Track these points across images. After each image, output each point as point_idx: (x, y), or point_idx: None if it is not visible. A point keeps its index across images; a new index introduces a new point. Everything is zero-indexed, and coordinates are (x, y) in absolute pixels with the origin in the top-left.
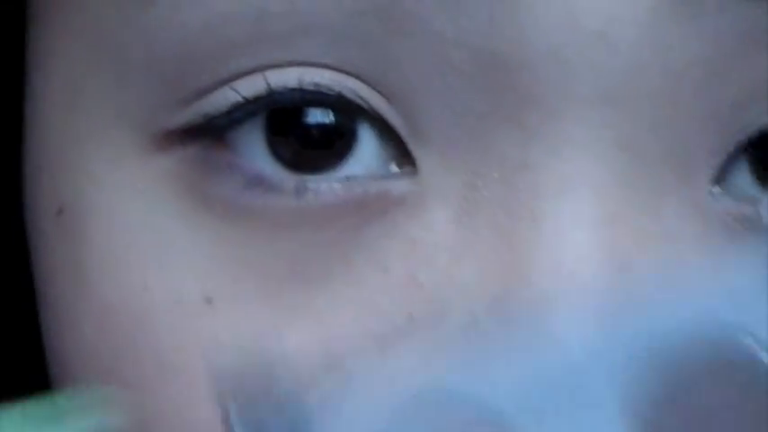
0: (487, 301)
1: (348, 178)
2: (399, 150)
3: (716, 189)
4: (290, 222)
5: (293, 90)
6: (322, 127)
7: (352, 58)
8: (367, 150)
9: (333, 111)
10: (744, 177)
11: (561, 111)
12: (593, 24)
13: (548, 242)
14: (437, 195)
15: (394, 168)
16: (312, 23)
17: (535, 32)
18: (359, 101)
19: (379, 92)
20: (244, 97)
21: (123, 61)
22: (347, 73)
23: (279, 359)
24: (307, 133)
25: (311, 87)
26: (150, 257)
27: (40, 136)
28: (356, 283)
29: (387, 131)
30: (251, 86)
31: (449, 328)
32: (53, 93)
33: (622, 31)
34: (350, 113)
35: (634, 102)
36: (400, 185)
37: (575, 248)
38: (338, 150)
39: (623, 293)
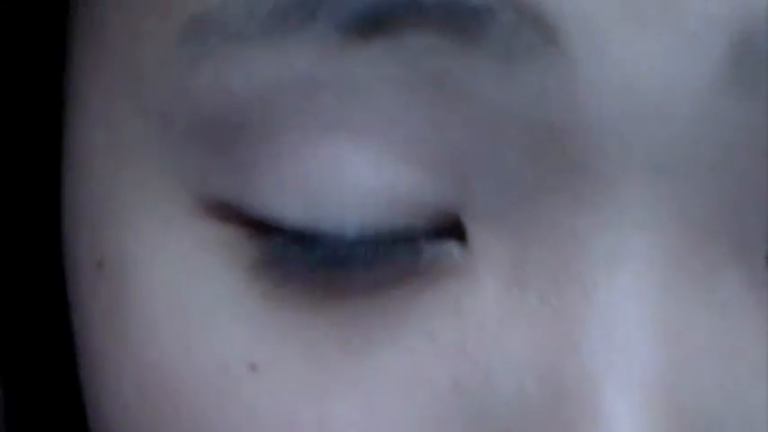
0: (536, 372)
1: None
2: (449, 222)
3: None
4: (337, 290)
5: None
6: None
7: (403, 133)
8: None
9: None
10: None
11: (615, 182)
12: (650, 97)
13: (599, 314)
14: (486, 264)
15: (443, 237)
16: (362, 93)
17: (590, 104)
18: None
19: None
20: None
21: (168, 119)
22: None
23: (323, 429)
24: None
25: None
26: (193, 320)
27: (79, 180)
28: (403, 351)
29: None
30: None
31: (495, 398)
32: (94, 137)
33: (679, 104)
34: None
35: (689, 174)
36: (450, 254)
37: (627, 321)
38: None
39: (676, 368)
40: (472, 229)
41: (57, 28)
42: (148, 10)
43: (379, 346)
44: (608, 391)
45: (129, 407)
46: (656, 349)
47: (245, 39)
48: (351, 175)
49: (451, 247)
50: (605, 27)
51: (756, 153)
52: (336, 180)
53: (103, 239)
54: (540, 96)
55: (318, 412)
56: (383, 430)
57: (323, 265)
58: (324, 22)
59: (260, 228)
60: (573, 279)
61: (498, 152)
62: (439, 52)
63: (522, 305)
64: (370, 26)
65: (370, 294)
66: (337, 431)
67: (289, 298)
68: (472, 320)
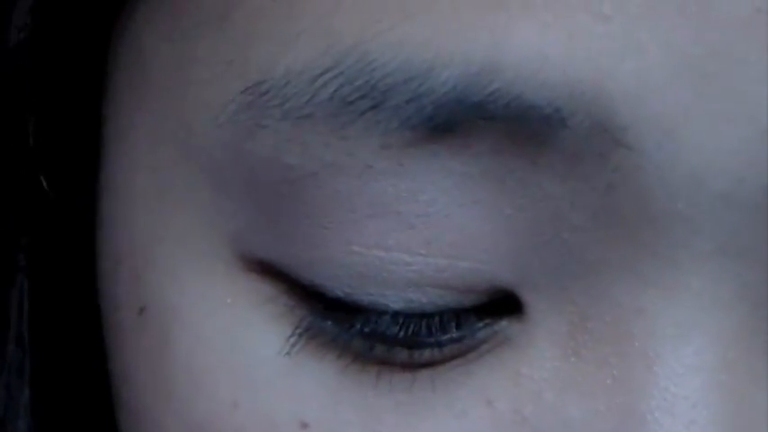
0: None
1: (460, 339)
2: (507, 299)
3: None
4: (399, 367)
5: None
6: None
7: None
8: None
9: None
10: None
11: (680, 262)
12: (720, 186)
13: (663, 387)
14: (545, 334)
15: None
16: (416, 185)
17: (659, 196)
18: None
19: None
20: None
21: (220, 178)
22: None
23: None
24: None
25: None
26: (240, 375)
27: (119, 227)
28: (460, 416)
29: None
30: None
31: None
32: (137, 180)
33: (750, 192)
34: None
35: (756, 253)
36: (507, 326)
37: (691, 394)
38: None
39: None
40: (529, 300)
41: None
42: (208, 59)
43: (435, 410)
44: None
45: None
46: (723, 424)
47: (306, 118)
48: (397, 258)
49: (506, 321)
50: (677, 124)
51: None
52: (382, 261)
53: (146, 286)
54: (607, 192)
55: None
56: None
57: (361, 338)
58: (388, 114)
59: (302, 291)
60: (636, 351)
61: (560, 237)
62: (505, 154)
63: (582, 374)
64: (440, 130)
65: (431, 365)
66: None
67: (347, 366)
68: (530, 387)
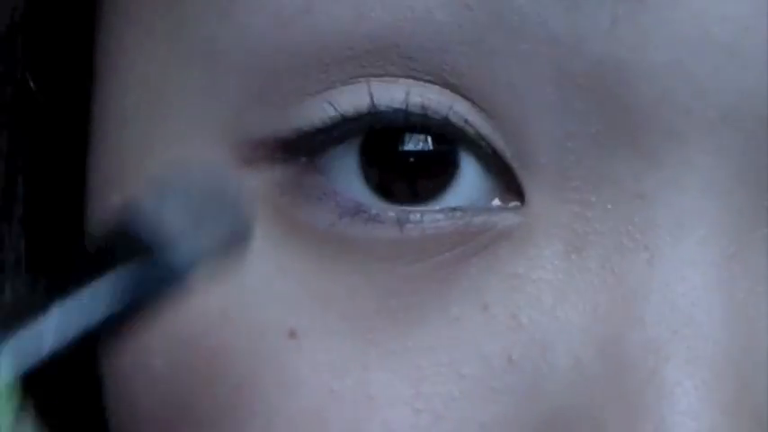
0: (595, 344)
1: (453, 209)
2: (504, 180)
3: None
4: (386, 255)
5: (397, 111)
6: (421, 155)
7: (459, 62)
8: (469, 181)
9: (433, 138)
10: None
11: (683, 133)
12: (725, 35)
13: (663, 284)
14: (545, 228)
15: (497, 201)
16: (415, 12)
17: (661, 39)
18: (464, 126)
19: (486, 112)
20: (342, 113)
21: (213, 60)
22: (454, 90)
23: (366, 400)
24: (404, 162)
25: (417, 110)
26: (231, 285)
27: (110, 146)
28: (453, 322)
29: (492, 160)
30: (352, 100)
31: (551, 372)
32: (127, 102)
33: (754, 44)
34: (452, 142)
35: (762, 127)
36: (505, 217)
37: (691, 292)
38: (438, 180)
39: (742, 343)
40: (530, 188)
41: None
42: None
43: (428, 316)
44: (673, 364)
45: (159, 384)
46: (722, 322)
47: None
48: None
49: (508, 210)
50: None
51: None
52: None
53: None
54: (609, 30)
55: (361, 383)
56: (430, 404)
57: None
58: None
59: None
60: (636, 245)
61: (562, 95)
62: None
63: (582, 273)
64: None
65: (420, 259)
66: (382, 402)
67: (332, 263)
68: (527, 289)
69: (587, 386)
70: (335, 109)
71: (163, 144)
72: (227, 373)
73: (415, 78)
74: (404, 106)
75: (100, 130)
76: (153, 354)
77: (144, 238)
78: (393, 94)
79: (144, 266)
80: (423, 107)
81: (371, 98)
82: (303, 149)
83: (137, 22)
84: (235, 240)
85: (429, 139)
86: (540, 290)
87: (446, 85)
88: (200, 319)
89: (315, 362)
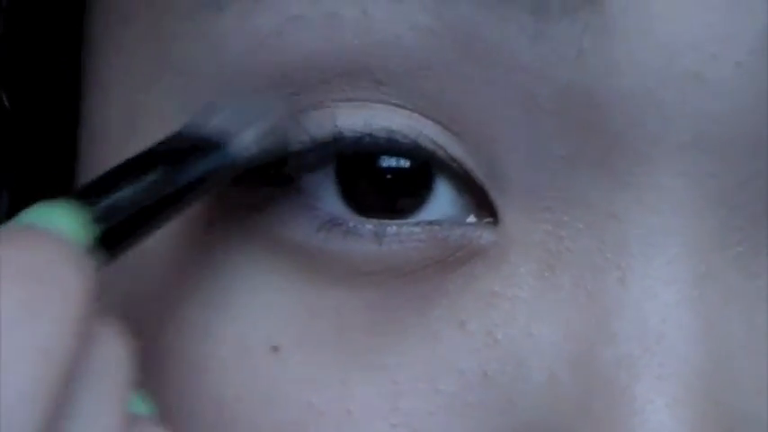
0: (569, 360)
1: (430, 223)
2: (478, 199)
3: None
4: (367, 269)
5: (363, 135)
6: (397, 172)
7: (428, 86)
8: (443, 199)
9: (407, 158)
10: None
11: (653, 157)
12: (691, 64)
13: (634, 302)
14: (519, 246)
15: (472, 218)
16: (384, 38)
17: (628, 68)
18: (435, 148)
19: (456, 134)
20: (312, 137)
21: (190, 80)
22: (424, 113)
23: (345, 415)
24: (381, 179)
25: (383, 134)
26: (213, 299)
27: (92, 160)
28: (431, 338)
29: (464, 180)
30: (322, 124)
31: (526, 388)
32: (110, 115)
33: (722, 71)
34: (425, 161)
35: (731, 150)
36: (482, 234)
37: (662, 310)
38: (414, 196)
39: (714, 360)
40: (503, 208)
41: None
42: None
43: (407, 331)
44: (644, 381)
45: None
46: (693, 339)
47: None
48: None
49: (483, 227)
50: None
51: None
52: None
53: None
54: (575, 59)
55: (340, 397)
56: (407, 419)
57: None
58: None
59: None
60: (609, 264)
61: (531, 120)
62: (467, 2)
63: (555, 291)
64: None
65: (401, 274)
66: (360, 417)
67: (313, 277)
68: (503, 307)
69: (560, 402)
70: (306, 133)
71: None
72: (209, 387)
73: (384, 103)
74: (369, 130)
75: (84, 143)
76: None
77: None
78: (361, 119)
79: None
80: (390, 131)
81: (337, 123)
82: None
83: (119, 40)
84: (275, 132)
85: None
86: (514, 307)
87: (416, 109)
88: (182, 332)
89: (296, 376)
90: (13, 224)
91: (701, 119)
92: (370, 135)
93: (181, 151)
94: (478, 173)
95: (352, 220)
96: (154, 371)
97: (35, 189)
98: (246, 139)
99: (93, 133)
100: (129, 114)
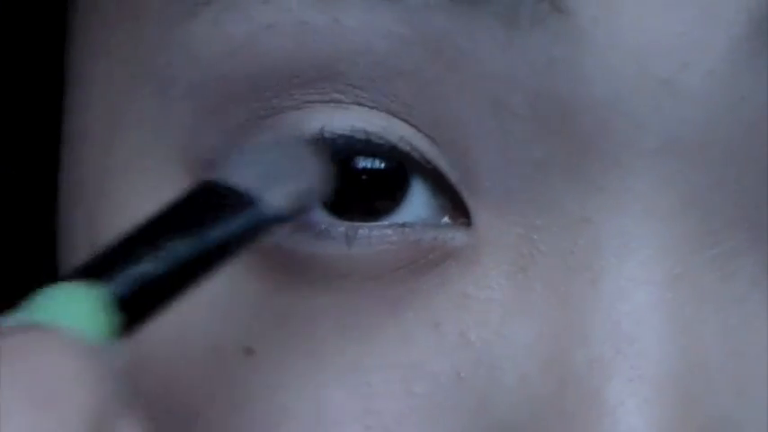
0: (541, 362)
1: (402, 225)
2: (452, 201)
3: None
4: (340, 271)
5: (341, 137)
6: (373, 173)
7: (402, 91)
8: (419, 200)
9: (384, 158)
10: None
11: (625, 162)
12: (663, 71)
13: (606, 303)
14: (492, 249)
15: (447, 220)
16: (356, 45)
17: (598, 77)
18: (411, 151)
19: (430, 138)
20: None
21: (168, 84)
22: (400, 117)
23: (318, 417)
24: (357, 180)
25: (361, 136)
26: (186, 301)
27: (73, 161)
28: (404, 340)
29: (439, 182)
30: (300, 126)
31: (498, 389)
32: (92, 115)
33: (693, 79)
34: (401, 162)
35: (704, 155)
36: (454, 236)
37: (635, 311)
38: (389, 198)
39: (686, 362)
40: (476, 211)
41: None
42: None
43: (381, 334)
44: (615, 382)
45: None
46: (666, 341)
47: None
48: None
49: (456, 229)
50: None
51: None
52: None
53: (99, 219)
54: (546, 68)
55: (314, 400)
56: (381, 421)
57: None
58: None
59: None
60: (581, 266)
61: (503, 125)
62: (438, 10)
63: (528, 292)
64: None
65: (374, 276)
66: (333, 420)
67: (287, 279)
68: (476, 309)
69: (532, 403)
70: (286, 133)
71: (120, 160)
72: (182, 388)
73: (361, 105)
74: (348, 132)
75: (65, 145)
76: None
77: (234, 191)
78: (338, 121)
79: (239, 214)
80: (367, 133)
81: (317, 124)
82: None
83: (100, 42)
84: (307, 194)
85: (379, 160)
86: (487, 309)
87: (391, 112)
88: (156, 333)
89: (269, 378)
90: (17, 323)
91: (673, 125)
92: (346, 136)
93: (205, 209)
94: (452, 175)
95: (325, 222)
96: (128, 373)
97: (16, 186)
98: (278, 197)
99: (76, 131)
100: (111, 115)
